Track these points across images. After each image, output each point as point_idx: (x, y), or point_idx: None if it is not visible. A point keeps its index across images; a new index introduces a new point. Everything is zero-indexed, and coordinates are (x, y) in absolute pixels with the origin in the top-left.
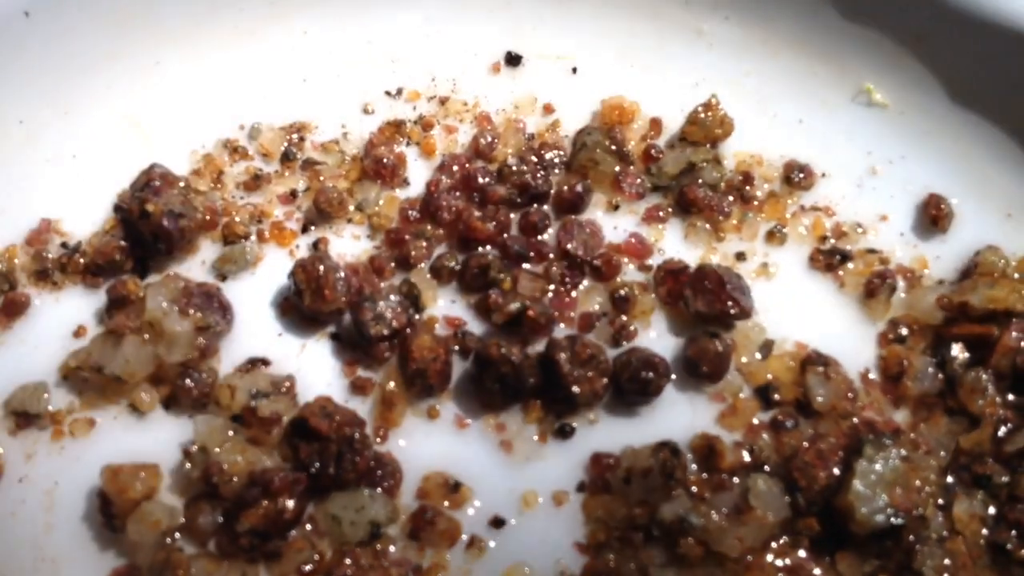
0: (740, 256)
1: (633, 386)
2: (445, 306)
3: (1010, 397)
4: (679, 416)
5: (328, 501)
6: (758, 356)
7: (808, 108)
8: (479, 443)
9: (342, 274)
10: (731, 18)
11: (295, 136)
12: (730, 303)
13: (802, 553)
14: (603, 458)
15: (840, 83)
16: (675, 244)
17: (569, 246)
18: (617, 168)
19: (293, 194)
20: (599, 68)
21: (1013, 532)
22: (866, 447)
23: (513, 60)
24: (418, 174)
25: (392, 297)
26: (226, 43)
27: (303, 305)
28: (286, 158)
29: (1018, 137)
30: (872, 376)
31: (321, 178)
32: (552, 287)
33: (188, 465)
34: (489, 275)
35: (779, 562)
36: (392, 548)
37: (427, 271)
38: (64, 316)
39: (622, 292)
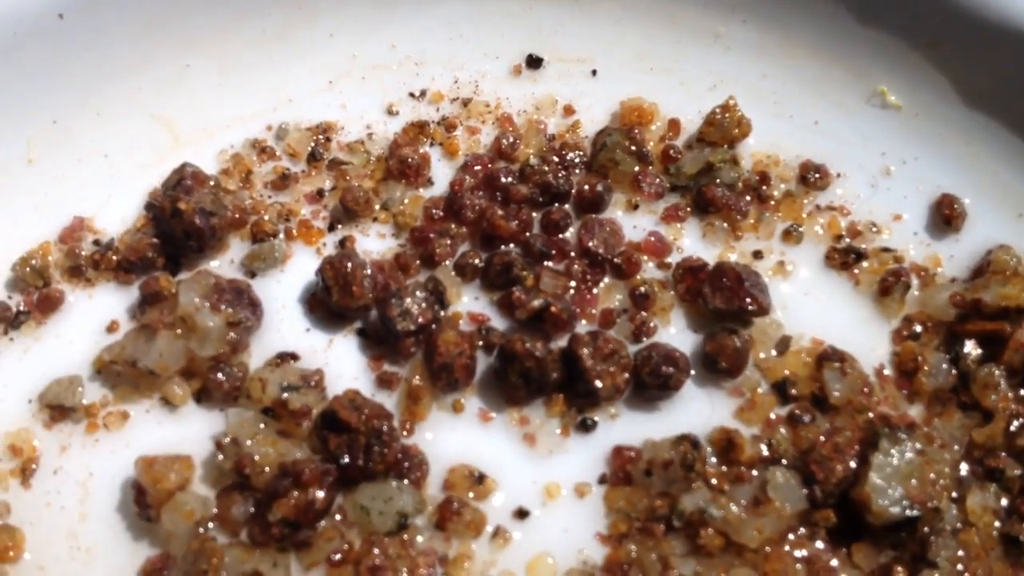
0: (757, 254)
1: (654, 381)
2: (469, 303)
3: (1022, 392)
4: (698, 410)
5: (357, 492)
6: (775, 352)
7: (824, 110)
8: (503, 436)
9: (369, 271)
10: (748, 21)
11: (321, 137)
12: (748, 300)
13: (819, 544)
14: (624, 451)
15: (855, 85)
16: (693, 243)
17: (590, 244)
18: (636, 168)
19: (320, 193)
20: (618, 70)
21: None
22: (882, 441)
23: (534, 63)
24: (442, 174)
25: (418, 293)
26: (254, 46)
27: (331, 301)
28: (313, 158)
29: None
30: (887, 372)
31: (347, 178)
32: (573, 284)
33: (220, 457)
34: (512, 272)
35: (797, 553)
36: (419, 538)
37: (451, 268)
38: (97, 312)
39: (642, 289)
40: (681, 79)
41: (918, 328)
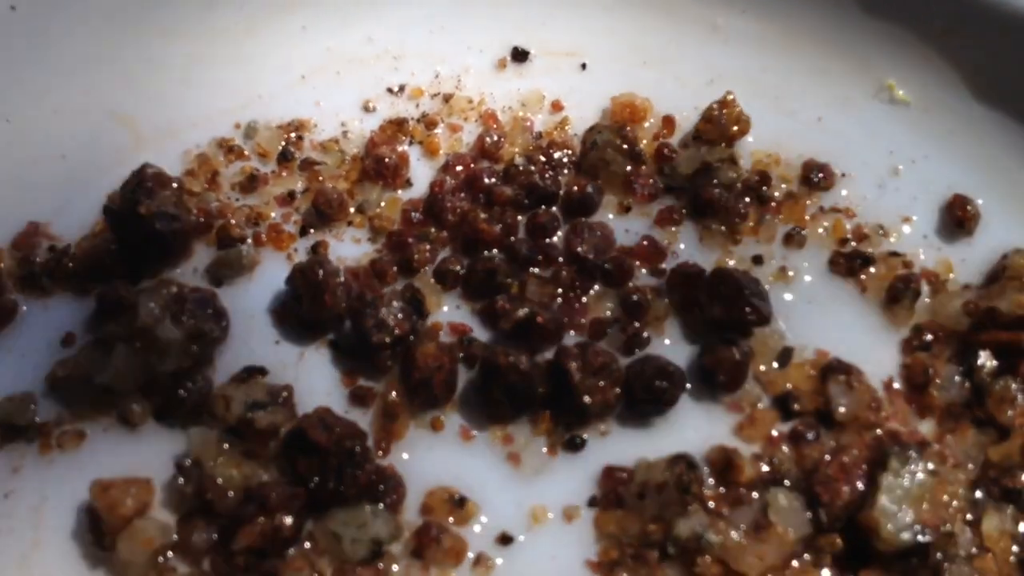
0: (757, 260)
1: (647, 396)
2: (450, 312)
3: None
4: (695, 427)
5: (328, 517)
6: (776, 365)
7: (828, 105)
8: (486, 456)
9: (342, 279)
10: (748, 12)
11: (293, 135)
12: (748, 309)
13: (825, 572)
14: (615, 472)
15: (861, 79)
16: (689, 247)
17: (579, 249)
18: (628, 168)
19: (291, 195)
20: (609, 64)
21: None
22: (891, 460)
23: (520, 56)
24: (421, 174)
25: (394, 303)
26: (221, 39)
27: (301, 311)
28: (284, 158)
29: None
30: (896, 385)
31: (320, 179)
32: (561, 292)
33: (181, 480)
34: (496, 279)
35: None
36: (395, 567)
37: (431, 275)
38: (52, 323)
39: (634, 297)
40: (676, 73)
41: (929, 338)
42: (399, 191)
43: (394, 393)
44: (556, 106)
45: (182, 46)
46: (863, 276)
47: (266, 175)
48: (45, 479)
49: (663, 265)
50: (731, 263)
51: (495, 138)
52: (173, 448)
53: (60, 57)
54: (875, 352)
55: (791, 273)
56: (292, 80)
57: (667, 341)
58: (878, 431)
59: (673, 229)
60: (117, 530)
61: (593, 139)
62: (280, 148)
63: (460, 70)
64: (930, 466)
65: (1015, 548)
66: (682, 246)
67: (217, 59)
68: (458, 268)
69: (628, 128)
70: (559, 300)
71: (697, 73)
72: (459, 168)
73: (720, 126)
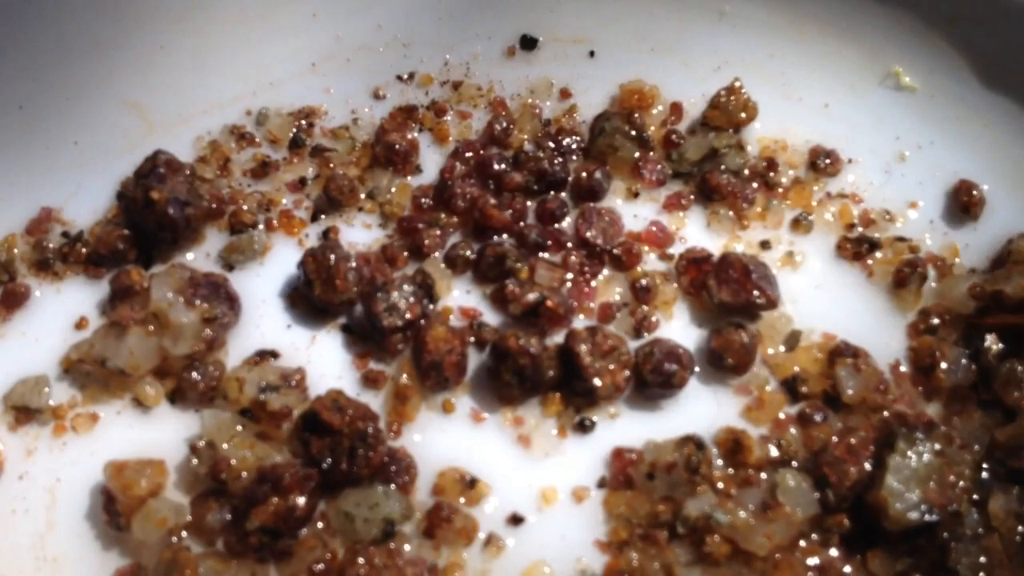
0: (765, 244)
1: (656, 378)
2: (460, 296)
3: None
4: (703, 410)
5: (340, 498)
6: (784, 348)
7: (834, 92)
8: (496, 438)
9: (353, 264)
10: None
11: (304, 122)
12: (756, 293)
13: (832, 551)
14: (625, 453)
15: (868, 66)
16: (697, 232)
17: (588, 234)
18: (637, 154)
19: (302, 182)
20: (617, 51)
21: None
22: (899, 441)
23: (528, 43)
24: (431, 161)
25: (405, 287)
26: (233, 26)
27: (313, 296)
28: (295, 144)
29: None
30: (903, 368)
31: (331, 165)
32: (570, 277)
33: (195, 461)
34: (505, 264)
35: (808, 560)
36: (407, 547)
37: (441, 260)
38: (65, 307)
39: (643, 282)
40: (684, 60)
41: (935, 321)
42: (409, 177)
43: (405, 376)
44: (565, 93)
45: (193, 33)
46: (870, 260)
47: (277, 161)
48: (59, 461)
49: (671, 250)
50: (739, 248)
51: (504, 125)
52: (186, 430)
53: (73, 44)
54: (882, 335)
55: (798, 258)
56: (302, 67)
57: (675, 325)
58: (885, 413)
59: (681, 214)
60: (131, 510)
61: (601, 126)
62: (291, 135)
63: (469, 57)
64: (937, 447)
65: (1021, 528)
66: (690, 231)
67: (228, 46)
68: (468, 253)
69: (636, 115)
70: (568, 284)
71: (704, 60)
72: (468, 154)
73: (727, 112)
